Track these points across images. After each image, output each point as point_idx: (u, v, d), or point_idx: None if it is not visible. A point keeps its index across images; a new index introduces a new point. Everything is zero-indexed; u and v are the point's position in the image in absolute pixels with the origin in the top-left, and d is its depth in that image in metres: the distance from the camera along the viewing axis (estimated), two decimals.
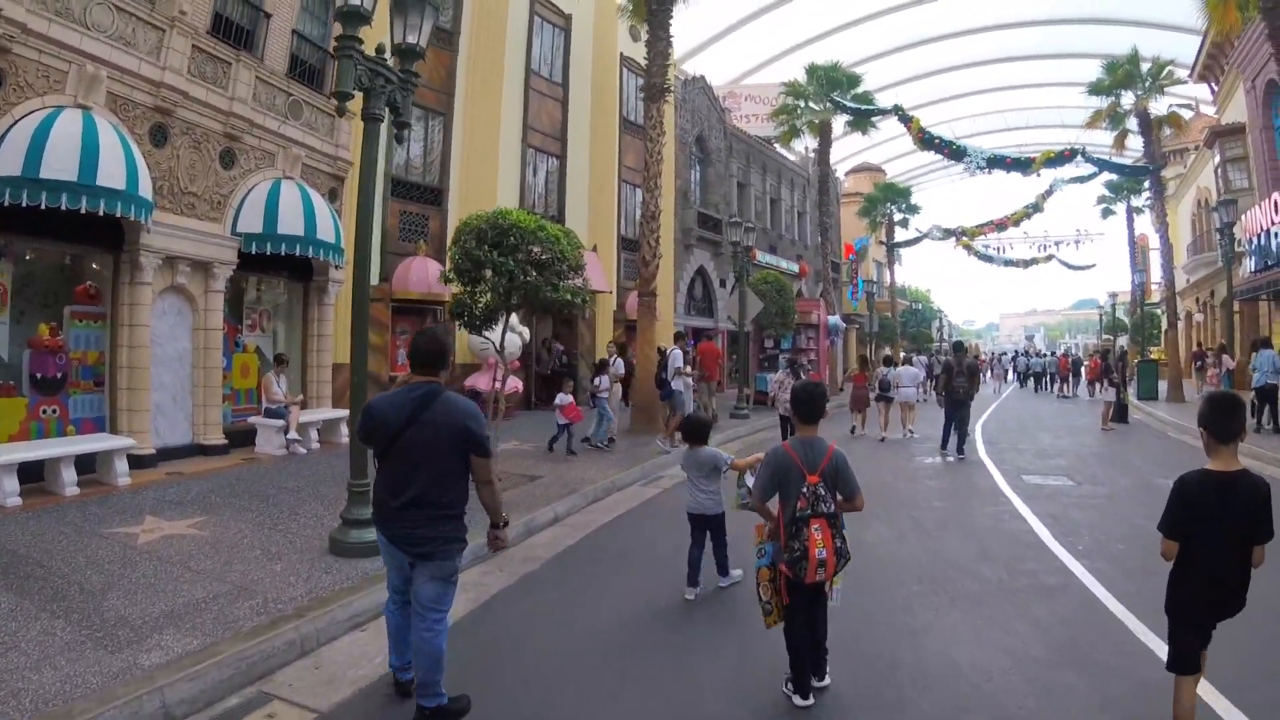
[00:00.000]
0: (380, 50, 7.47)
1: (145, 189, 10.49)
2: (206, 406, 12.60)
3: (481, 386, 17.36)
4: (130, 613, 5.39)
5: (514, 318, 17.69)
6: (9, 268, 10.46)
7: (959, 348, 16.63)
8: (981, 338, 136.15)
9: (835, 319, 29.04)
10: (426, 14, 7.60)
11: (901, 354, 32.36)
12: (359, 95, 7.31)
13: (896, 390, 18.08)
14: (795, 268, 37.48)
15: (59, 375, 10.85)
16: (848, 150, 51.75)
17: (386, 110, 7.65)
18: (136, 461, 10.94)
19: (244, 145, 13.16)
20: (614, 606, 6.11)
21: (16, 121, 9.56)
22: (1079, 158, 28.77)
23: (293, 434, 12.66)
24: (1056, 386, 35.56)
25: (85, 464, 10.13)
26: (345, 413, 14.24)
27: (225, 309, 13.24)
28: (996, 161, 28.57)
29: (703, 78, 31.07)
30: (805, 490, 4.24)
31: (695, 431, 6.64)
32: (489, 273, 9.70)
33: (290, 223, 12.90)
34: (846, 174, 54.24)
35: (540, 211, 21.14)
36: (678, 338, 16.76)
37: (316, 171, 14.79)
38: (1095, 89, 28.71)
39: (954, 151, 28.36)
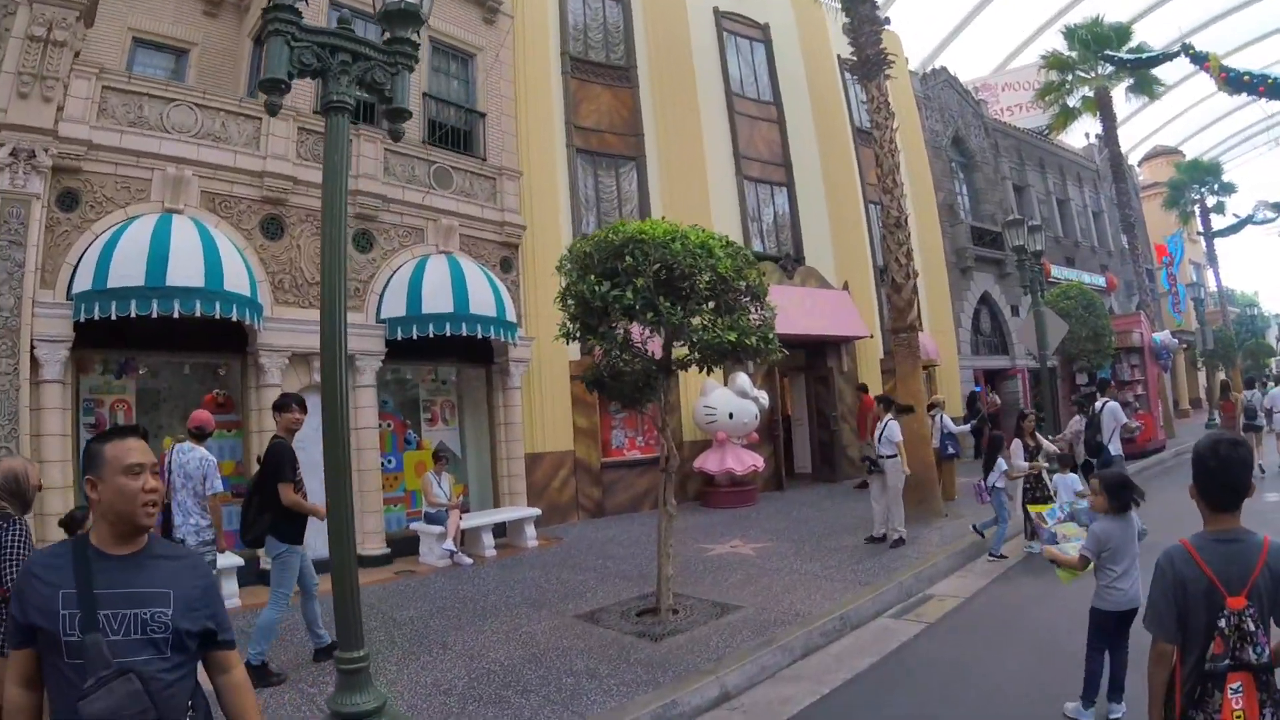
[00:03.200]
0: (346, 22, 5.22)
1: (236, 284, 9.32)
2: (364, 513, 10.57)
3: (710, 468, 14.70)
4: None
5: (744, 380, 15.08)
6: (131, 384, 9.86)
7: None
8: None
9: (1163, 336, 23.12)
10: None
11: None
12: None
13: (1270, 418, 15.45)
14: (1101, 281, 31.01)
15: None
16: (1134, 136, 44.70)
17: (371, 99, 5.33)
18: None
19: (381, 224, 11.70)
20: None
21: (96, 238, 9.03)
22: None
23: (448, 544, 10.57)
24: None
25: None
26: (531, 511, 12.17)
27: (390, 404, 12.11)
28: None
29: (945, 69, 26.87)
30: (1224, 623, 2.49)
31: (1126, 491, 4.77)
32: (619, 320, 6.99)
33: (436, 301, 11.11)
34: (1139, 164, 46.28)
35: (774, 252, 18.44)
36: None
37: (480, 241, 13.05)
38: None
39: (1272, 87, 21.05)
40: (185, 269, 8.80)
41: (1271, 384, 23.60)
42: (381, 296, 11.42)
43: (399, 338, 11.08)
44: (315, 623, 6.59)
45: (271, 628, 6.21)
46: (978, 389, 23.03)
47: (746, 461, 14.65)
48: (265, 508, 6.36)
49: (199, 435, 7.25)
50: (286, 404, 6.75)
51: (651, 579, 8.38)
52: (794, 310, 16.98)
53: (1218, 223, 41.00)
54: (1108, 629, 4.72)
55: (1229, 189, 40.14)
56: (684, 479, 15.54)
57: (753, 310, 7.27)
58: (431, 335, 11.02)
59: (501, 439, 13.07)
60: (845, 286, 19.24)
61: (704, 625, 6.91)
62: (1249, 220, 41.04)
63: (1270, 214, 40.85)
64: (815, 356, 18.94)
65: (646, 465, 15.34)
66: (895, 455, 10.58)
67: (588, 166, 15.87)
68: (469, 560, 10.63)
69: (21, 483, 3.97)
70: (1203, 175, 39.52)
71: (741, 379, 14.85)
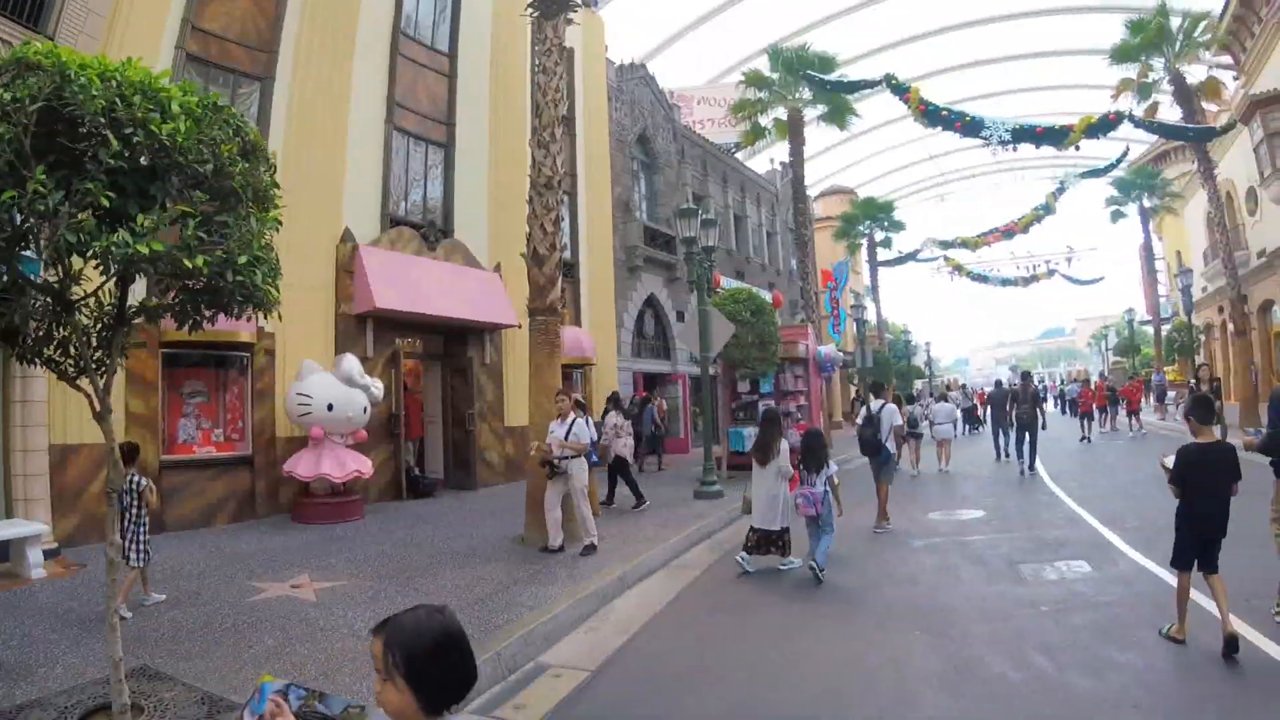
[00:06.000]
0: None
1: None
2: None
3: (301, 473, 11.54)
4: None
5: (351, 364, 12.03)
6: None
7: (1026, 377, 17.97)
8: (954, 372, 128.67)
9: (827, 350, 23.47)
10: None
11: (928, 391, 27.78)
12: None
13: (932, 427, 18.64)
14: (768, 296, 30.95)
15: None
16: (817, 174, 46.54)
17: None
18: None
19: None
20: None
21: None
22: (1125, 123, 22.34)
23: None
24: (1097, 421, 27.64)
25: None
26: (33, 528, 8.65)
27: None
28: (1024, 134, 22.09)
29: (643, 66, 25.71)
30: None
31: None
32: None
33: None
34: (816, 198, 48.32)
35: (418, 219, 15.64)
36: (612, 399, 14.09)
37: None
38: (1120, 54, 24.39)
39: (968, 125, 21.80)
40: None
41: (930, 399, 25.26)
42: None
43: None
44: None
45: None
46: (633, 392, 22.07)
47: (348, 466, 11.72)
48: None
49: None
50: None
51: (138, 641, 5.38)
52: (431, 287, 14.62)
53: (884, 257, 43.99)
54: None
55: (898, 227, 43.16)
56: (275, 485, 12.31)
57: (253, 214, 4.44)
58: None
59: (16, 423, 9.33)
60: (497, 269, 17.00)
61: None
62: (913, 256, 44.99)
63: (933, 251, 44.81)
64: (455, 344, 16.48)
65: (225, 465, 12.06)
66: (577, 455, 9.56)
67: (199, 78, 12.15)
68: None
69: None
70: (875, 212, 41.80)
71: (348, 362, 11.99)
